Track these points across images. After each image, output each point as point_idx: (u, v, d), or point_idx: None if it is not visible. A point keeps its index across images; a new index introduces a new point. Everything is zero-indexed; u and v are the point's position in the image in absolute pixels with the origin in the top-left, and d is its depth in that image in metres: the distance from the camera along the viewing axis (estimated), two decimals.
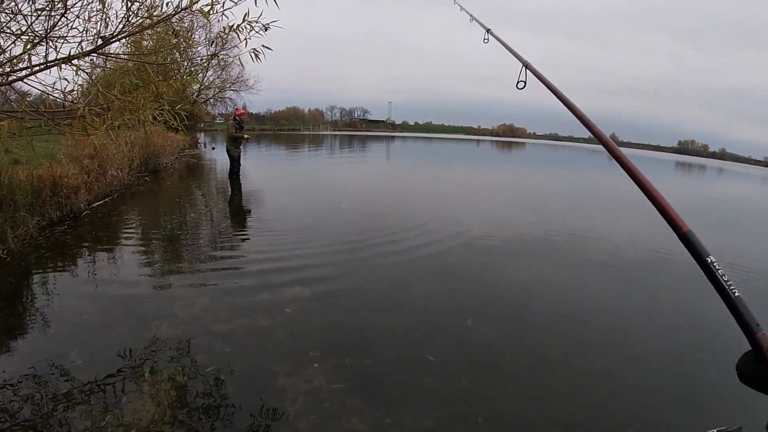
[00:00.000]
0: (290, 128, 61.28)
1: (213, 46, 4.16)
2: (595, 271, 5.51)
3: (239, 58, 3.92)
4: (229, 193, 9.64)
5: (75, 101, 3.40)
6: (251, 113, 61.54)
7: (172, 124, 3.69)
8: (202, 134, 29.58)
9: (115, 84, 3.46)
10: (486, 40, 2.09)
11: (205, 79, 24.57)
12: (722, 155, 79.68)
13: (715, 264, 0.67)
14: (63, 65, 3.50)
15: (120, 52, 3.99)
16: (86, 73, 3.49)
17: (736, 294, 0.66)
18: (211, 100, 26.43)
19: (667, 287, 5.02)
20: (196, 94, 23.95)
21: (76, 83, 3.34)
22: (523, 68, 1.51)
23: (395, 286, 4.47)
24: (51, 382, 2.52)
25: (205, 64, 22.74)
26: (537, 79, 1.43)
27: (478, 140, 67.06)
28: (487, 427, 2.44)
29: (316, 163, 18.14)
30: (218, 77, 25.20)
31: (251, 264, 4.77)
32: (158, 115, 3.48)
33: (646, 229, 7.64)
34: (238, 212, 7.89)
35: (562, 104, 1.21)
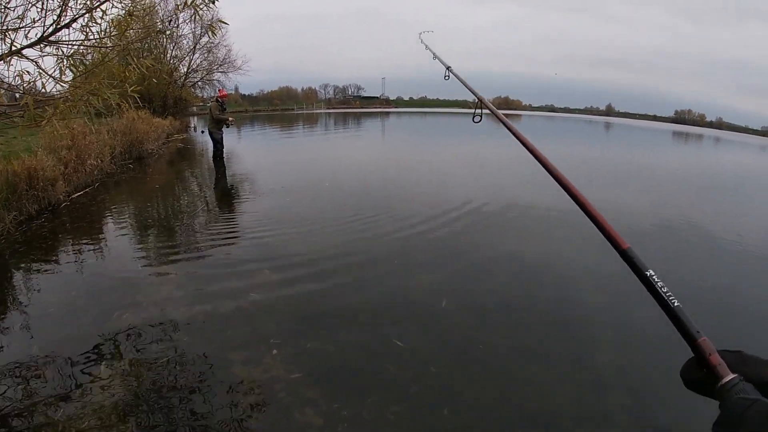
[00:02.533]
0: (284, 108, 60.30)
1: (170, 23, 4.03)
2: (585, 246, 5.08)
3: (209, 28, 3.86)
4: (214, 177, 9.55)
5: (24, 92, 3.30)
6: (243, 95, 60.76)
7: (125, 107, 3.62)
8: (195, 118, 29.09)
9: (64, 71, 3.35)
10: (447, 77, 2.21)
11: (192, 62, 24.10)
12: (719, 125, 78.38)
13: (654, 277, 0.70)
14: (11, 58, 3.40)
15: (73, 38, 3.86)
16: (35, 63, 3.37)
17: (676, 304, 0.66)
18: (199, 83, 25.89)
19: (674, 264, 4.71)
20: (183, 77, 23.51)
21: (22, 73, 3.23)
22: (479, 103, 1.63)
23: (370, 265, 4.45)
24: (9, 375, 2.53)
25: (192, 47, 22.35)
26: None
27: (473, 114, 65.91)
28: (454, 421, 2.33)
29: (305, 144, 17.96)
30: (205, 59, 24.70)
31: (221, 251, 4.75)
32: (108, 99, 3.39)
33: (652, 204, 7.55)
34: (221, 198, 7.82)
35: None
